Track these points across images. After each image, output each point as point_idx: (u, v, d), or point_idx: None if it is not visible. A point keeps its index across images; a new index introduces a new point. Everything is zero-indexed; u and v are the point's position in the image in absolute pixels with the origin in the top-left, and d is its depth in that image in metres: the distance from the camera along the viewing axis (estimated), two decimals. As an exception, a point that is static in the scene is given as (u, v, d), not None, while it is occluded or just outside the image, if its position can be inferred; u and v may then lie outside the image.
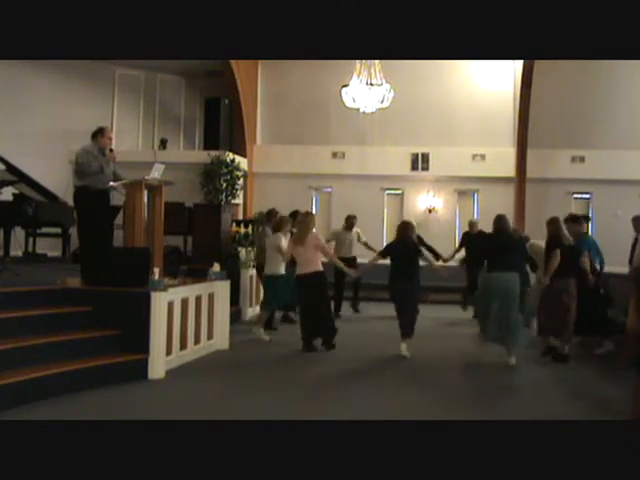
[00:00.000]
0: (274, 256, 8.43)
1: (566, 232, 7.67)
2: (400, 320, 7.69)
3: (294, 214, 9.36)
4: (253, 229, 11.12)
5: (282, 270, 8.49)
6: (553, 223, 7.64)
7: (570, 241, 7.63)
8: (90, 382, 5.66)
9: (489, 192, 14.86)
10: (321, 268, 7.89)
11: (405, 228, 7.90)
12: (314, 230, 8.09)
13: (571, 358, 7.54)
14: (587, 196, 14.77)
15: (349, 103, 12.18)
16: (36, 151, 12.69)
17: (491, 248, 7.50)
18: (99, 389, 5.65)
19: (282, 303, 9.08)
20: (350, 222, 10.92)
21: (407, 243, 7.76)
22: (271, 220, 9.20)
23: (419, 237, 10.95)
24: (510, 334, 7.17)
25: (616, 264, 9.04)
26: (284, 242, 8.39)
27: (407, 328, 7.63)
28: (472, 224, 11.22)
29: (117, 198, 8.09)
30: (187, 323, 6.97)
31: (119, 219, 8.79)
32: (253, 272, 10.64)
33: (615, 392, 6.05)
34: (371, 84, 11.84)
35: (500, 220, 7.51)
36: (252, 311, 10.61)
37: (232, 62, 14.00)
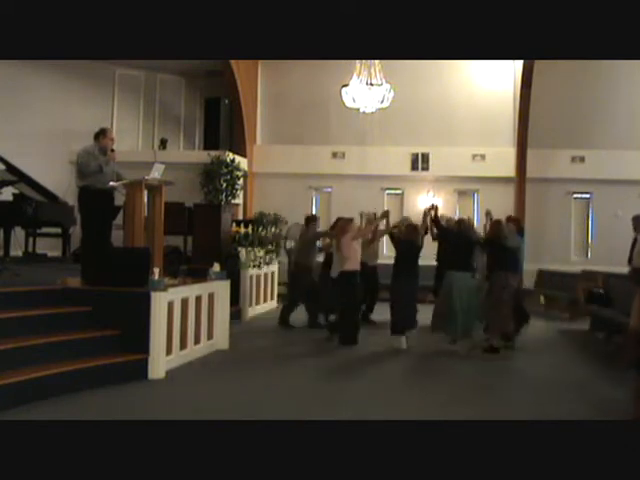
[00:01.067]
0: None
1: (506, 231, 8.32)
2: (398, 315, 8.08)
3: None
4: (253, 229, 11.11)
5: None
6: (494, 225, 8.35)
7: (513, 240, 8.19)
8: (90, 382, 5.66)
9: (489, 192, 14.83)
10: (357, 268, 8.32)
11: (412, 232, 8.38)
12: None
13: (569, 358, 7.58)
14: (587, 196, 14.76)
15: (349, 103, 12.17)
16: (36, 151, 12.66)
17: (454, 248, 8.16)
18: (99, 389, 5.66)
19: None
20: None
21: (413, 245, 8.27)
22: (310, 225, 9.73)
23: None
24: (468, 327, 7.88)
25: (616, 264, 9.06)
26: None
27: (409, 322, 8.17)
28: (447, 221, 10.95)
29: (117, 198, 8.09)
30: (187, 323, 6.97)
31: (119, 219, 8.79)
32: (253, 272, 10.64)
33: (615, 392, 6.05)
34: (371, 84, 11.82)
35: (461, 223, 8.38)
36: (252, 311, 10.61)
37: (232, 62, 13.98)
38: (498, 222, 8.33)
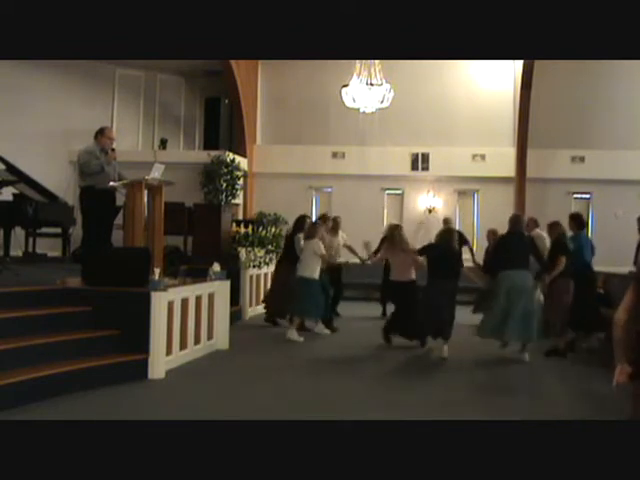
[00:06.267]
0: (313, 260, 8.66)
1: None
2: (437, 322, 7.63)
3: (322, 218, 9.89)
4: (253, 229, 11.11)
5: (317, 274, 8.71)
6: (555, 227, 8.16)
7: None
8: (90, 382, 5.65)
9: (489, 192, 14.86)
10: (414, 277, 8.23)
11: (444, 235, 8.08)
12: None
13: (568, 358, 7.61)
14: (587, 196, 14.76)
15: (349, 103, 12.18)
16: (36, 151, 12.67)
17: (506, 247, 7.70)
18: (99, 389, 5.65)
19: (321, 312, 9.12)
20: (336, 224, 10.49)
21: (448, 247, 7.87)
22: (301, 226, 9.38)
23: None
24: (530, 331, 7.36)
25: (616, 264, 9.05)
26: (321, 247, 8.74)
27: (448, 329, 7.68)
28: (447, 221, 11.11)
29: (117, 198, 8.09)
30: (187, 323, 6.97)
31: (119, 219, 8.79)
32: (253, 272, 10.63)
33: (614, 392, 6.04)
34: (371, 84, 11.83)
35: (515, 220, 7.90)
36: (252, 311, 10.61)
37: (232, 62, 14.00)
38: (557, 224, 8.24)
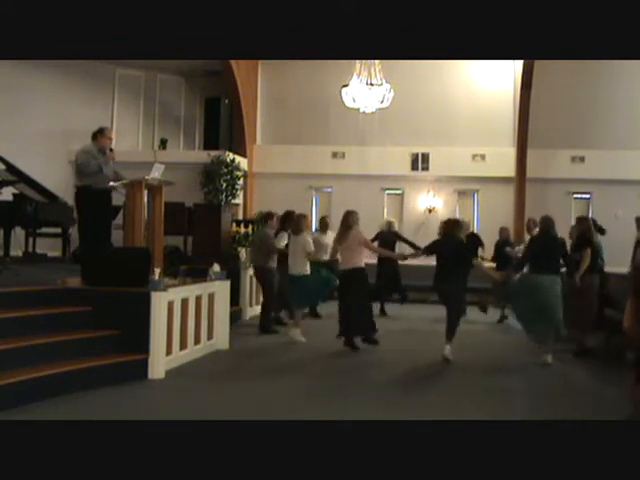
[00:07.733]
0: (301, 256, 8.48)
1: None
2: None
3: (288, 214, 9.60)
4: (253, 229, 11.12)
5: (307, 269, 8.54)
6: (582, 222, 8.12)
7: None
8: (90, 382, 5.65)
9: (489, 192, 14.86)
10: (362, 265, 7.88)
11: (452, 227, 7.69)
12: (357, 227, 7.98)
13: (568, 358, 7.62)
14: (587, 196, 14.75)
15: (349, 103, 12.19)
16: (36, 151, 12.67)
17: (536, 250, 7.52)
18: (99, 389, 5.65)
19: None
20: (325, 224, 10.54)
21: (455, 242, 7.52)
22: (268, 222, 9.33)
23: (396, 232, 11.06)
24: (553, 332, 7.30)
25: (616, 264, 9.04)
26: (311, 243, 8.54)
27: (451, 329, 7.44)
28: (465, 224, 11.30)
29: (117, 198, 8.09)
30: (187, 323, 6.97)
31: (119, 219, 8.79)
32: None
33: (614, 392, 6.04)
34: (371, 84, 11.84)
35: (546, 221, 7.58)
36: (252, 311, 10.61)
37: (232, 62, 14.00)
38: (586, 219, 8.18)
